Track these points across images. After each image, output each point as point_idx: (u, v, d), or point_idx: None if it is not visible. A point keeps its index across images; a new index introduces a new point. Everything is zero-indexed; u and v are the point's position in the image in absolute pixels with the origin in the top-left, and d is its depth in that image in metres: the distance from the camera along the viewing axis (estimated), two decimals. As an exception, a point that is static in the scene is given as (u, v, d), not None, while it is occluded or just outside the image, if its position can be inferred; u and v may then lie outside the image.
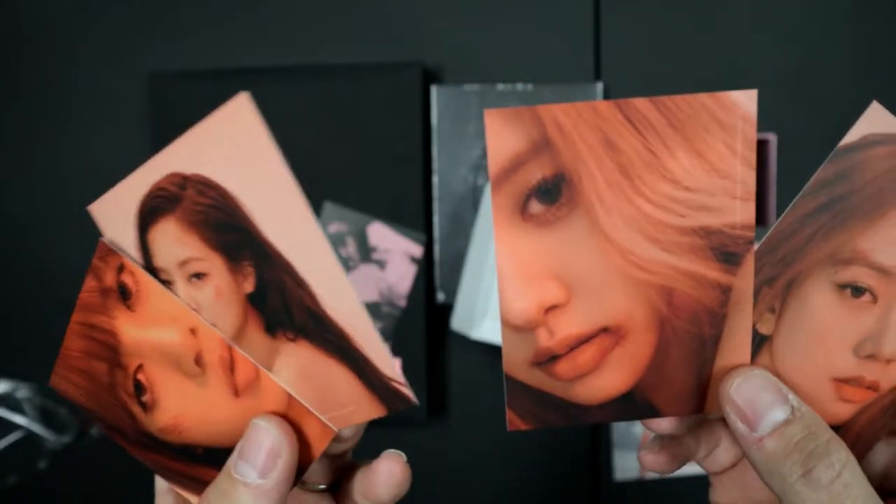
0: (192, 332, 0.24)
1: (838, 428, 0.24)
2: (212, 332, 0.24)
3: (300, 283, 0.23)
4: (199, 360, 0.24)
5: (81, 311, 0.25)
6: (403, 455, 0.26)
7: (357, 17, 0.63)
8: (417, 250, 0.61)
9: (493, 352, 0.62)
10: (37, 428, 0.67)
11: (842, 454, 0.21)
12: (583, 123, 0.21)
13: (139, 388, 0.25)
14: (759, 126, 0.60)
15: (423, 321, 0.61)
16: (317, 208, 0.62)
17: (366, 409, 0.24)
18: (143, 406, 0.25)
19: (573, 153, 0.21)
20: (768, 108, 0.60)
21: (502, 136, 0.21)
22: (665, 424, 0.26)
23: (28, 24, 0.67)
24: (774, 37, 0.60)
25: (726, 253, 0.22)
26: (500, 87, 0.61)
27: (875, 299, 0.23)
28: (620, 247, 0.22)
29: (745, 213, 0.22)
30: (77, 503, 0.69)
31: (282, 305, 0.24)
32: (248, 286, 0.24)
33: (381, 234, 0.62)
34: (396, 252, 0.61)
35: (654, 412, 0.24)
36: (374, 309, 0.62)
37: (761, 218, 0.60)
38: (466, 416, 0.64)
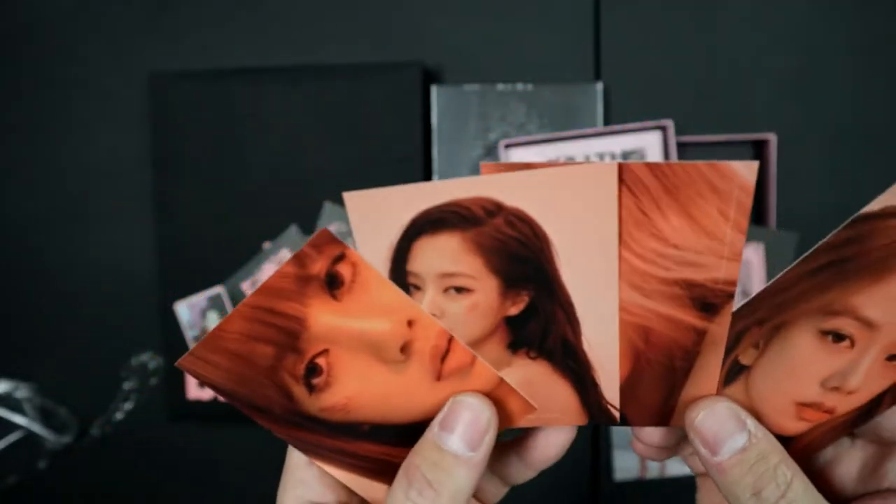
0: (409, 323, 0.24)
1: (791, 438, 0.26)
2: (434, 323, 0.24)
3: (571, 320, 0.25)
4: (405, 349, 0.25)
5: (264, 294, 0.24)
6: None
7: (357, 17, 0.63)
8: (417, 250, 0.61)
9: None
10: (37, 428, 0.67)
11: (787, 475, 0.23)
12: None
13: (313, 371, 0.26)
14: (760, 126, 0.60)
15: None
16: (317, 208, 0.63)
17: (570, 417, 0.27)
18: (311, 387, 0.26)
19: None
20: (768, 108, 0.60)
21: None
22: (655, 439, 0.29)
23: (28, 25, 0.67)
24: (774, 37, 0.60)
25: (706, 303, 0.24)
26: (500, 87, 0.61)
27: (853, 344, 0.25)
28: None
29: (729, 271, 0.24)
30: (77, 503, 0.69)
31: (540, 332, 0.26)
32: (514, 310, 0.26)
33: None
34: (397, 252, 0.61)
35: (624, 422, 0.27)
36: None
37: (761, 218, 0.60)
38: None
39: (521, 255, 0.25)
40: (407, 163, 0.61)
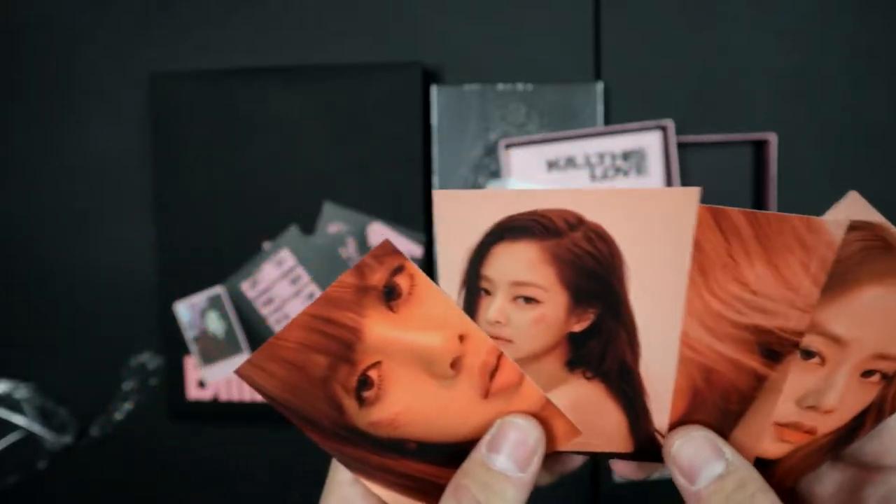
0: (461, 337, 0.25)
1: (774, 461, 0.26)
2: (485, 339, 0.25)
3: (633, 342, 0.25)
4: (455, 364, 0.25)
5: (324, 304, 0.25)
6: None
7: (357, 18, 0.63)
8: (417, 250, 0.61)
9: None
10: (36, 428, 0.67)
11: (765, 502, 0.23)
12: None
13: (364, 384, 0.26)
14: (760, 126, 0.60)
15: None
16: (317, 208, 0.63)
17: (615, 443, 0.27)
18: (362, 401, 0.26)
19: None
20: (768, 108, 0.60)
21: None
22: (629, 472, 0.29)
23: (29, 25, 0.67)
24: (774, 37, 0.60)
25: (770, 350, 0.25)
26: (500, 87, 0.61)
27: (823, 362, 0.25)
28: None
29: (799, 321, 0.24)
30: (77, 503, 0.69)
31: (600, 352, 0.26)
32: (578, 327, 0.26)
33: (381, 234, 0.62)
34: (397, 252, 0.61)
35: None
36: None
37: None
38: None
39: (594, 272, 0.25)
40: (407, 163, 0.61)
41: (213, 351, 0.64)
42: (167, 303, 0.65)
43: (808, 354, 0.25)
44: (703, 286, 0.24)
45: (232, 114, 0.63)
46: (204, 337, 0.64)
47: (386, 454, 0.27)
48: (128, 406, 0.67)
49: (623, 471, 0.29)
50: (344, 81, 0.62)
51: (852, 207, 0.24)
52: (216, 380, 0.64)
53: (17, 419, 0.67)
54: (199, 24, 0.65)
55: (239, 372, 0.26)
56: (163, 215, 0.65)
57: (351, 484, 0.28)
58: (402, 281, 0.24)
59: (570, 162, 0.60)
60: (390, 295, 0.24)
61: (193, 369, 0.65)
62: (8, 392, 0.67)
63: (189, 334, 0.64)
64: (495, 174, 0.61)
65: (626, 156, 0.60)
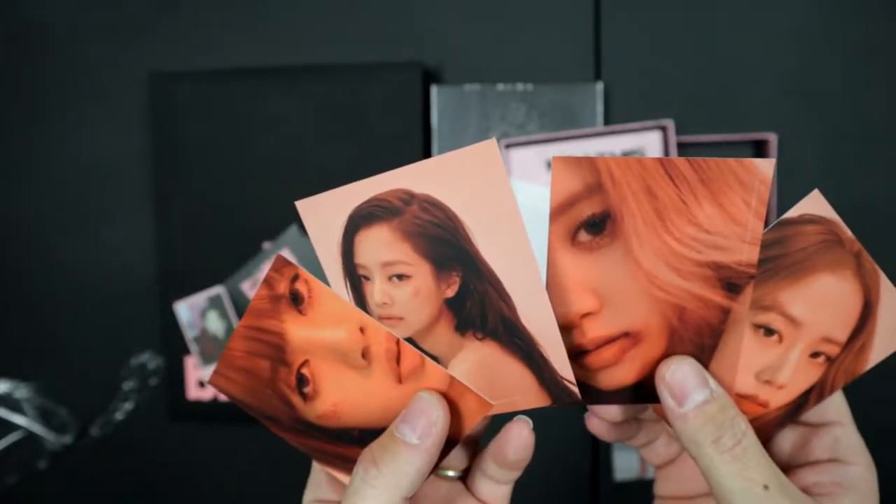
0: (361, 329, 0.27)
1: None
2: (380, 328, 0.27)
3: (503, 296, 0.27)
4: (365, 354, 0.27)
5: (251, 316, 0.28)
6: (531, 421, 0.30)
7: (357, 17, 0.63)
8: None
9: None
10: (37, 428, 0.67)
11: (742, 426, 0.27)
12: (630, 174, 0.26)
13: (301, 381, 0.28)
14: (760, 126, 0.60)
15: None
16: (317, 208, 0.62)
17: (532, 398, 0.29)
18: (304, 396, 0.29)
19: (619, 196, 0.26)
20: (768, 108, 0.60)
21: (565, 177, 0.26)
22: (610, 414, 0.32)
23: (28, 25, 0.67)
24: (774, 37, 0.60)
25: (731, 283, 0.27)
26: (500, 87, 0.61)
27: (781, 340, 0.28)
28: (647, 272, 0.27)
29: (750, 254, 0.26)
30: (77, 503, 0.69)
31: (479, 312, 0.28)
32: (450, 292, 0.28)
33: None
34: (396, 252, 0.61)
35: (656, 399, 0.29)
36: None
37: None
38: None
39: (442, 238, 0.27)
40: (407, 163, 0.61)
41: (213, 351, 0.64)
42: (167, 303, 0.65)
43: (769, 332, 0.28)
44: (662, 230, 0.26)
45: (232, 114, 0.63)
46: (204, 337, 0.64)
47: (337, 443, 0.29)
48: (128, 406, 0.67)
49: (597, 427, 0.32)
50: (344, 81, 0.62)
51: (813, 205, 0.27)
52: (216, 380, 0.64)
53: (17, 419, 0.67)
54: (199, 24, 0.65)
55: (210, 382, 0.29)
56: (163, 215, 0.65)
57: (320, 469, 0.31)
58: (301, 287, 0.27)
59: (570, 162, 0.60)
60: (296, 300, 0.27)
61: (193, 369, 0.65)
62: (8, 392, 0.67)
63: (189, 334, 0.64)
64: (495, 174, 0.61)
65: (626, 156, 0.60)
